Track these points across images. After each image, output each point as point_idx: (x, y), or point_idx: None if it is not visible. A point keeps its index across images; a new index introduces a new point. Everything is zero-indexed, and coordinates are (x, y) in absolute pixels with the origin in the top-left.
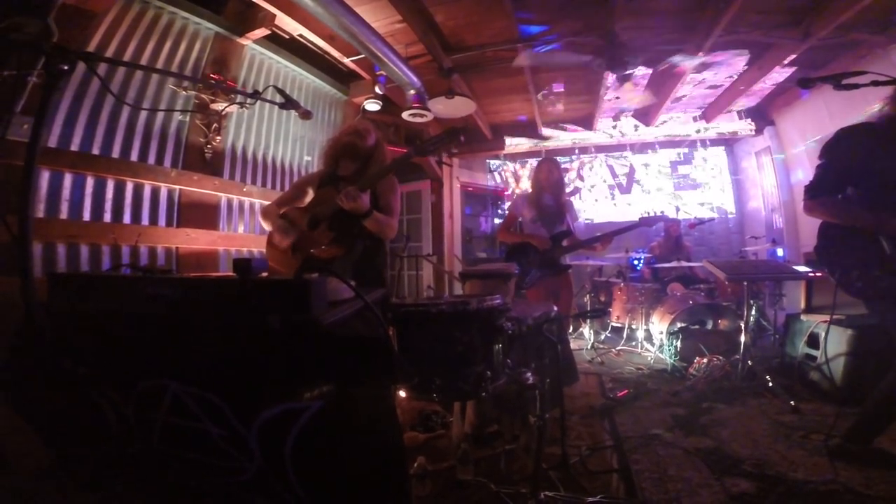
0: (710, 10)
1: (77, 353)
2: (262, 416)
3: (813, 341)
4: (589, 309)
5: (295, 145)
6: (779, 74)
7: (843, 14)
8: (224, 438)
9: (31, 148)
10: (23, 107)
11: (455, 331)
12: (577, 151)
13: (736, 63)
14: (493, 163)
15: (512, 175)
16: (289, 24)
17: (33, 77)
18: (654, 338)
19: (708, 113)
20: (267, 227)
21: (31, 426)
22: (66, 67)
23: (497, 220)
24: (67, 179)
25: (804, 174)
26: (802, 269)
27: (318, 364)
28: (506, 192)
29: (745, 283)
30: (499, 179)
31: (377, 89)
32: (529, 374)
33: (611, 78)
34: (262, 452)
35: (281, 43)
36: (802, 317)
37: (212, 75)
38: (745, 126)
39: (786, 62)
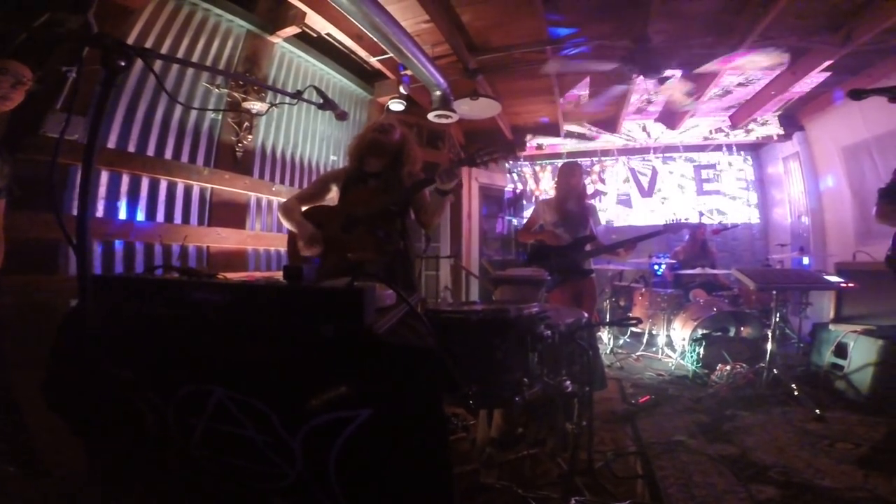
0: (748, 13)
1: (119, 355)
2: (309, 423)
3: (841, 351)
4: (609, 313)
5: (322, 144)
6: (812, 79)
7: (889, 19)
8: (267, 444)
9: (90, 147)
10: (62, 104)
11: (494, 338)
12: (598, 154)
13: (769, 67)
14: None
15: (531, 176)
16: (318, 23)
17: (73, 73)
18: (675, 344)
19: (735, 117)
20: (287, 225)
21: (69, 428)
22: (123, 63)
23: (514, 222)
24: (104, 177)
25: (834, 181)
26: (834, 279)
27: (369, 373)
28: (524, 193)
29: (775, 292)
30: (518, 181)
31: (401, 89)
32: (569, 382)
33: (639, 82)
34: (306, 459)
35: (309, 42)
36: (831, 326)
37: (247, 75)
38: (774, 131)
39: (822, 67)
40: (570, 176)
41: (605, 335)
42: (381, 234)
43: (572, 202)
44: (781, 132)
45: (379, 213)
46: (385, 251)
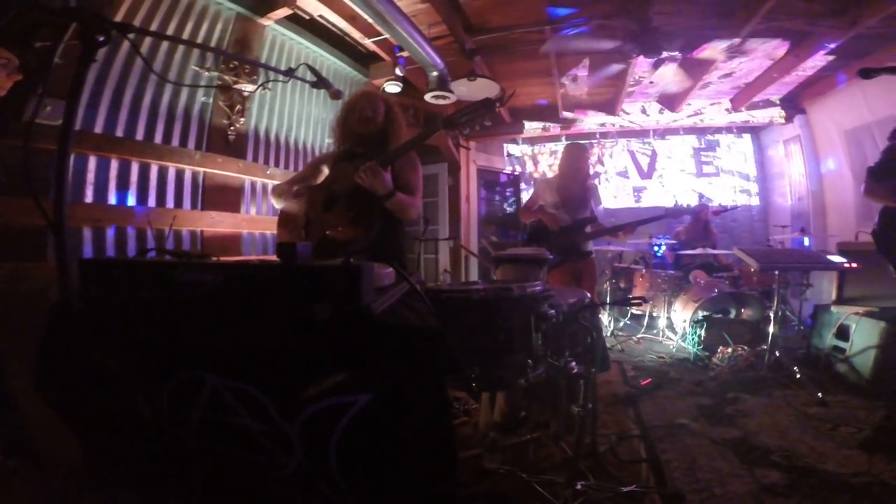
0: None
1: (110, 344)
2: (307, 410)
3: (842, 333)
4: (608, 295)
5: (317, 127)
6: (815, 63)
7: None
8: (264, 433)
9: (66, 128)
10: (45, 88)
11: (497, 318)
12: (597, 136)
13: (772, 51)
14: (510, 147)
15: (530, 158)
16: (310, 4)
17: (56, 58)
18: (676, 326)
19: (736, 100)
20: (278, 205)
21: (64, 421)
22: (101, 39)
23: (510, 205)
24: (92, 162)
25: (835, 164)
26: (837, 258)
27: (368, 355)
28: (522, 175)
29: (777, 273)
30: (516, 163)
31: (397, 71)
32: (575, 364)
33: (639, 63)
34: (305, 447)
35: (301, 24)
36: (832, 308)
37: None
38: (776, 114)
39: (826, 51)
40: (575, 159)
41: (605, 317)
42: (360, 208)
43: (572, 183)
44: (783, 115)
45: (356, 188)
46: (367, 227)
